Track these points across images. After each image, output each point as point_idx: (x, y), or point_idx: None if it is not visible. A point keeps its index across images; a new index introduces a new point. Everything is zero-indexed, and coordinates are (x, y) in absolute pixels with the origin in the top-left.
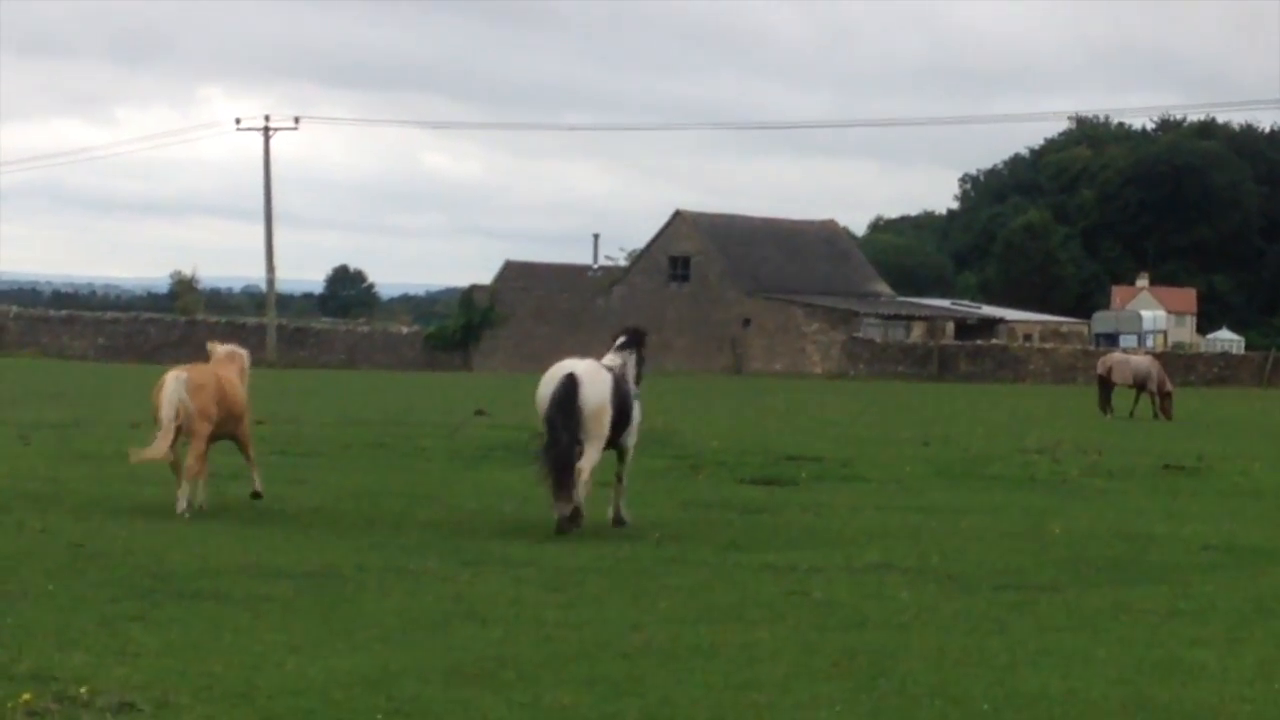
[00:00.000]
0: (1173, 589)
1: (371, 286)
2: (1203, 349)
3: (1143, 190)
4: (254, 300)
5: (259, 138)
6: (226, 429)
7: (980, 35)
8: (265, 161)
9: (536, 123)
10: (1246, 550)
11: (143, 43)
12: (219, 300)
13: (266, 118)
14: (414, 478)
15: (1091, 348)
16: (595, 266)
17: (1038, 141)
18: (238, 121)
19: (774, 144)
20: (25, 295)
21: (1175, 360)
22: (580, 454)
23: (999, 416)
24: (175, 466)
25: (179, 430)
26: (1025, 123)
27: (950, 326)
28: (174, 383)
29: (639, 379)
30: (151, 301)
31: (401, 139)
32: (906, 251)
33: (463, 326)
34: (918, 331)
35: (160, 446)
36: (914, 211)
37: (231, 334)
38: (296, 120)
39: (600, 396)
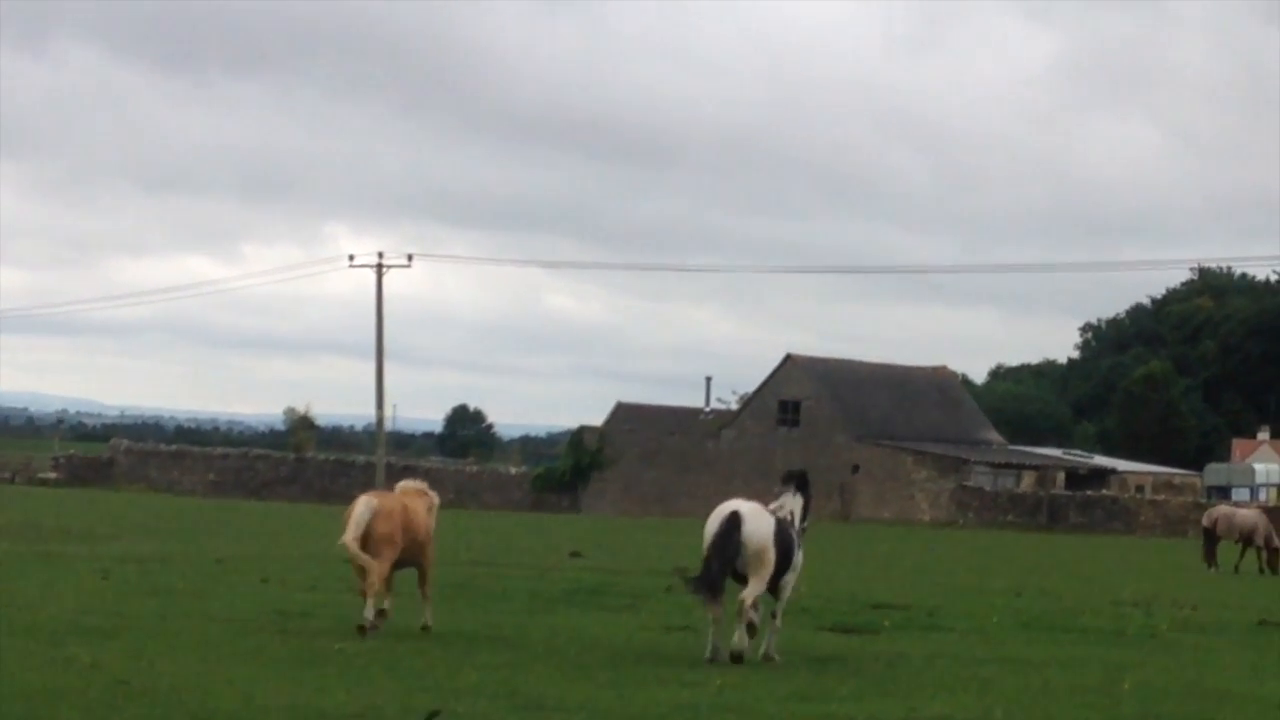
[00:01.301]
0: None
1: (490, 426)
2: None
3: (1265, 342)
4: (373, 438)
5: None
6: (409, 556)
7: (1103, 185)
8: (378, 299)
9: (657, 264)
10: None
11: (270, 180)
12: (339, 437)
13: (380, 254)
14: (489, 619)
15: (1203, 500)
16: (707, 409)
17: (1160, 291)
18: (351, 258)
19: (895, 289)
20: (149, 429)
21: None
22: (730, 582)
23: (1101, 568)
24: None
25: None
26: (1147, 272)
27: (1061, 476)
28: (364, 507)
29: (804, 520)
30: (272, 438)
31: (522, 278)
32: (1026, 400)
33: (571, 468)
34: (1028, 481)
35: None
36: (1034, 359)
37: (340, 471)
38: (410, 258)
39: (762, 535)
